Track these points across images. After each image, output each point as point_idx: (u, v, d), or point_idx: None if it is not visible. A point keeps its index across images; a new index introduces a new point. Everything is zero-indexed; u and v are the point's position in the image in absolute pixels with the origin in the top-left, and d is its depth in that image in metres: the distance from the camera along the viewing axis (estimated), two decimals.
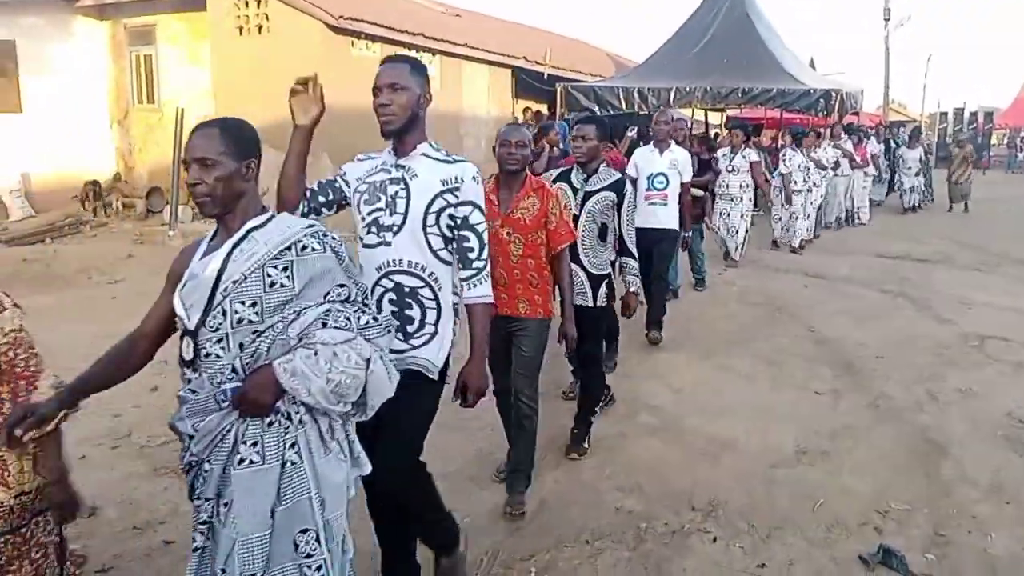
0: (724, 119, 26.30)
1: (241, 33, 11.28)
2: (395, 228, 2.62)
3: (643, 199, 6.23)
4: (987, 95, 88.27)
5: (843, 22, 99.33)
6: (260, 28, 11.09)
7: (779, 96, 14.28)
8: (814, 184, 11.35)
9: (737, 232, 9.47)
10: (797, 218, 11.00)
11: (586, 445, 4.43)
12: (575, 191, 4.38)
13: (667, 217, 6.36)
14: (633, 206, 4.47)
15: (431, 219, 2.63)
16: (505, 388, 3.82)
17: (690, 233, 6.97)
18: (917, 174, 15.82)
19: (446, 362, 2.73)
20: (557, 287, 3.84)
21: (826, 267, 9.98)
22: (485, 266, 2.72)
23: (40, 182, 12.58)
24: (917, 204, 15.90)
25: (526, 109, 17.96)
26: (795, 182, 10.79)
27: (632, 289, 4.48)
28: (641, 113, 19.40)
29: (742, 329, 7.03)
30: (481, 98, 14.34)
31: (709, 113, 21.87)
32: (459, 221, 2.65)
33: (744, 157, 9.07)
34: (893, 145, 17.45)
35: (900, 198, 16.13)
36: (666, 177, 6.36)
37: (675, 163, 6.39)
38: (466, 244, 2.67)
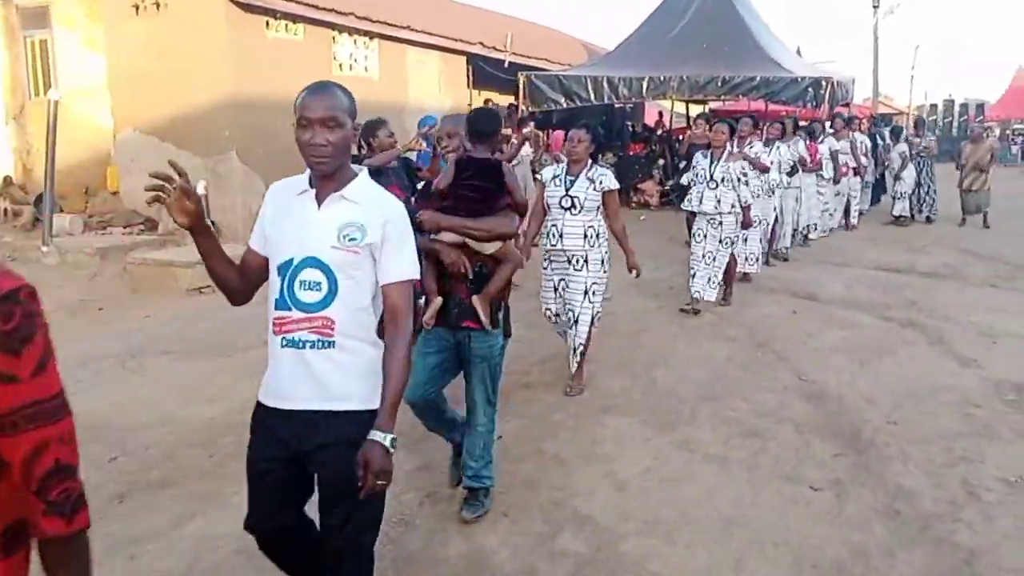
0: (707, 112, 24.96)
1: (137, 12, 9.67)
2: None
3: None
4: (972, 88, 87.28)
5: (828, 11, 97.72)
6: (157, 5, 9.48)
7: (763, 85, 12.89)
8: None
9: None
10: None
11: None
12: None
13: (338, 380, 2.26)
14: None
15: None
16: None
17: (388, 438, 2.13)
18: (897, 177, 13.15)
19: None
20: None
21: (817, 284, 8.50)
22: None
23: None
24: (902, 214, 13.17)
25: (487, 101, 16.44)
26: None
27: None
28: (617, 105, 18.05)
29: (715, 378, 5.53)
30: (431, 87, 12.77)
31: (690, 106, 20.47)
32: None
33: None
34: (880, 141, 14.35)
35: (892, 204, 13.55)
36: (328, 273, 2.21)
37: (353, 230, 2.21)
38: None
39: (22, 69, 11.60)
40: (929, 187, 13.46)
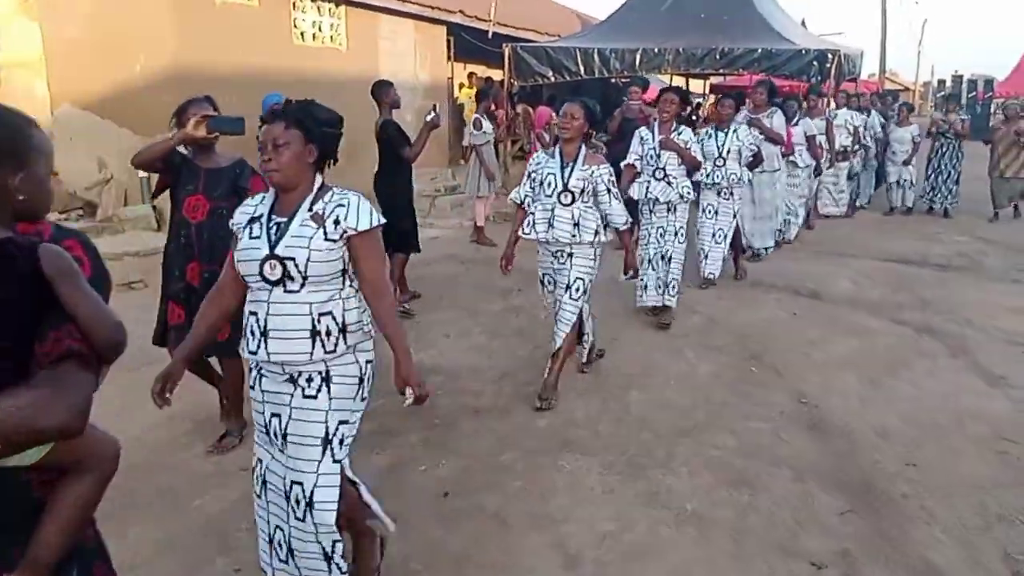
0: (707, 88, 23.90)
1: None
2: None
3: None
4: (979, 64, 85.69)
5: None
6: None
7: (765, 58, 11.91)
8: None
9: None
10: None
11: None
12: None
13: None
14: None
15: None
16: None
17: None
18: (907, 162, 11.57)
19: None
20: None
21: (821, 279, 7.64)
22: None
23: None
24: (908, 205, 11.80)
25: (471, 75, 15.51)
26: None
27: None
28: (612, 80, 17.05)
29: (698, 403, 4.68)
30: (405, 60, 11.83)
31: (690, 81, 19.46)
32: None
33: None
34: (883, 121, 12.44)
35: (887, 194, 12.07)
36: None
37: None
38: None
39: None
40: (950, 174, 11.75)
